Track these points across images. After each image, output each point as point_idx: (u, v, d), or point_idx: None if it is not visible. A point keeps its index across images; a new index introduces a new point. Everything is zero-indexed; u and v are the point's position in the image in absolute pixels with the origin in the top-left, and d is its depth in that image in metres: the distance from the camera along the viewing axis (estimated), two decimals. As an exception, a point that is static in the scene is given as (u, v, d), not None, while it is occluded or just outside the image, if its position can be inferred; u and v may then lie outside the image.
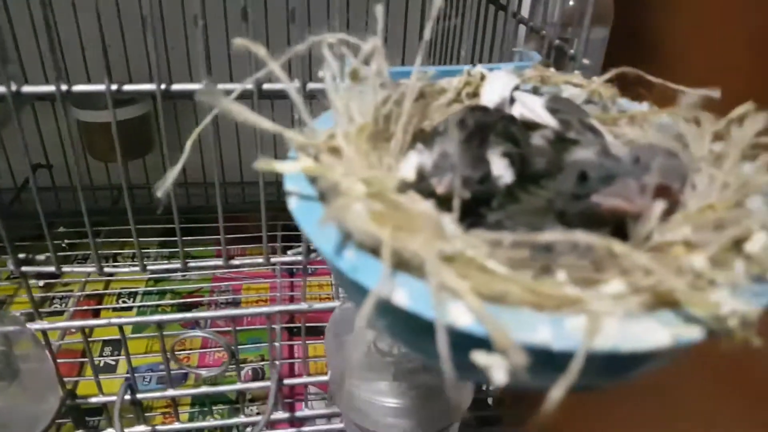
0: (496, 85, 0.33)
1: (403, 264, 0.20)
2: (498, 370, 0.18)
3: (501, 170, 0.26)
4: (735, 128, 0.26)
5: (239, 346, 0.72)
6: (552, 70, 0.37)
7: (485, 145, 0.28)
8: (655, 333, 0.18)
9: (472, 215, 0.25)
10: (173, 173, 0.28)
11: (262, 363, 0.70)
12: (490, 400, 0.69)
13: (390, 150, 0.29)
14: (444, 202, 0.25)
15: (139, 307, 0.78)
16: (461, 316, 0.19)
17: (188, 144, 0.30)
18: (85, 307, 0.76)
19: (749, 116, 0.26)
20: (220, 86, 0.38)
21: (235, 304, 0.80)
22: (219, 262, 0.45)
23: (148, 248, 0.89)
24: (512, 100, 0.33)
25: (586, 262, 0.21)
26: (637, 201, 0.21)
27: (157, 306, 0.79)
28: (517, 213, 0.24)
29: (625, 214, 0.21)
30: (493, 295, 0.19)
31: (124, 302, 0.80)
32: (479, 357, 0.18)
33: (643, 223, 0.22)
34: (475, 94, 0.34)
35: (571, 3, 0.53)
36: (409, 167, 0.27)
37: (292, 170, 0.23)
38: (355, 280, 0.20)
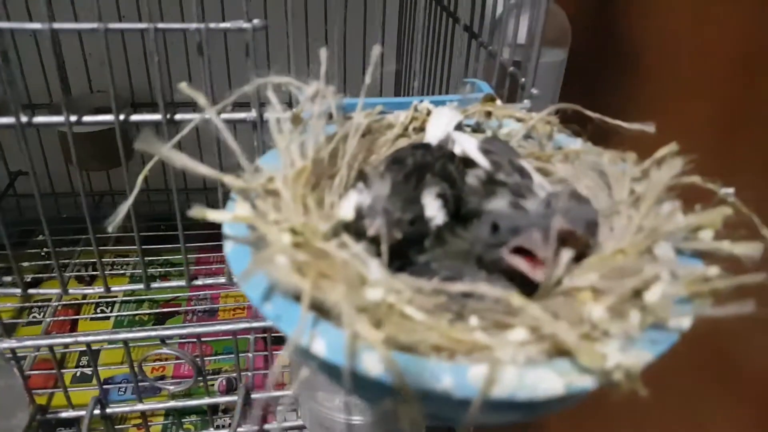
0: (440, 122, 0.34)
1: (325, 313, 0.22)
2: (403, 417, 0.19)
3: (434, 211, 0.28)
4: (654, 170, 0.28)
5: (215, 356, 0.74)
6: (498, 103, 0.39)
7: (422, 185, 0.29)
8: (550, 382, 0.19)
9: (404, 256, 0.27)
10: (125, 208, 0.30)
11: (236, 373, 0.71)
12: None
13: (334, 187, 0.31)
14: (378, 243, 0.26)
15: (117, 316, 0.79)
16: (373, 366, 0.20)
17: (140, 178, 0.31)
18: (63, 318, 0.77)
19: (668, 159, 0.28)
20: (179, 116, 0.39)
21: (212, 312, 0.81)
22: (182, 283, 0.47)
23: (127, 256, 0.90)
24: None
25: (499, 308, 0.22)
26: (540, 250, 0.22)
27: (135, 315, 0.80)
28: (443, 256, 0.26)
29: (522, 273, 0.22)
30: (406, 344, 0.21)
31: (102, 311, 0.81)
32: (387, 404, 0.20)
33: (551, 270, 0.23)
34: (422, 129, 0.36)
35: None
36: (347, 207, 0.28)
37: (224, 219, 0.24)
38: (278, 328, 0.21)
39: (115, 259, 0.90)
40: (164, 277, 0.85)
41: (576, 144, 0.33)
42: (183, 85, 0.29)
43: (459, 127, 0.35)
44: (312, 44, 0.74)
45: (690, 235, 0.25)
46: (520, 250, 0.23)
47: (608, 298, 0.22)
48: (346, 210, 0.28)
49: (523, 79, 0.43)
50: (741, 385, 0.62)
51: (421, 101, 0.37)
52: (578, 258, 0.26)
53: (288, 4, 0.39)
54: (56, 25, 0.33)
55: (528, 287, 0.24)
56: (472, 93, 0.41)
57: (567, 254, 0.23)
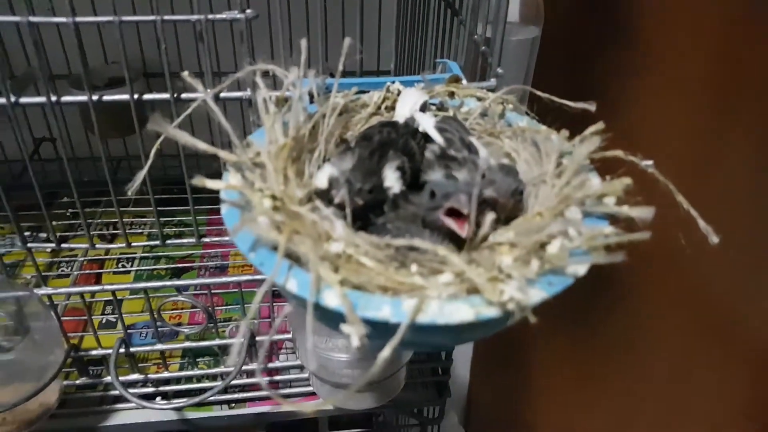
0: (408, 102, 0.40)
1: (297, 261, 0.28)
2: (353, 336, 0.26)
3: (392, 182, 0.34)
4: (577, 145, 0.33)
5: (226, 306, 0.81)
6: (463, 82, 0.44)
7: (384, 159, 0.35)
8: (463, 311, 0.26)
9: (365, 218, 0.33)
10: (141, 175, 0.36)
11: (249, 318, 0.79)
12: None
13: (313, 160, 0.37)
14: (344, 208, 0.32)
15: (137, 270, 0.87)
16: (331, 299, 0.26)
17: (152, 151, 0.37)
18: (88, 272, 0.85)
19: (591, 137, 0.33)
20: (184, 96, 0.45)
21: (223, 268, 0.88)
22: (192, 240, 0.53)
23: (145, 216, 0.97)
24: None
25: (434, 259, 0.28)
26: (465, 210, 0.28)
27: (153, 270, 0.87)
28: (396, 219, 0.32)
29: (453, 231, 0.28)
30: (358, 283, 0.27)
31: (123, 266, 0.88)
32: (344, 327, 0.26)
33: (473, 226, 0.29)
34: (393, 107, 0.41)
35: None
36: (322, 177, 0.34)
37: (219, 187, 0.30)
38: (261, 271, 0.28)
39: (133, 219, 0.97)
40: (179, 236, 0.92)
41: (522, 122, 0.38)
42: (185, 74, 0.35)
43: (425, 106, 0.40)
44: (312, 23, 0.78)
45: (597, 201, 0.30)
46: (452, 212, 0.29)
47: (517, 250, 0.28)
48: (321, 180, 0.34)
49: (490, 59, 0.48)
50: (735, 345, 0.67)
51: (393, 82, 0.42)
52: (510, 220, 0.32)
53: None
54: (78, 19, 0.39)
55: (459, 241, 0.30)
56: (443, 73, 0.47)
57: (490, 216, 0.29)
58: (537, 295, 0.26)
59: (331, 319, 0.28)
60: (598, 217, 0.31)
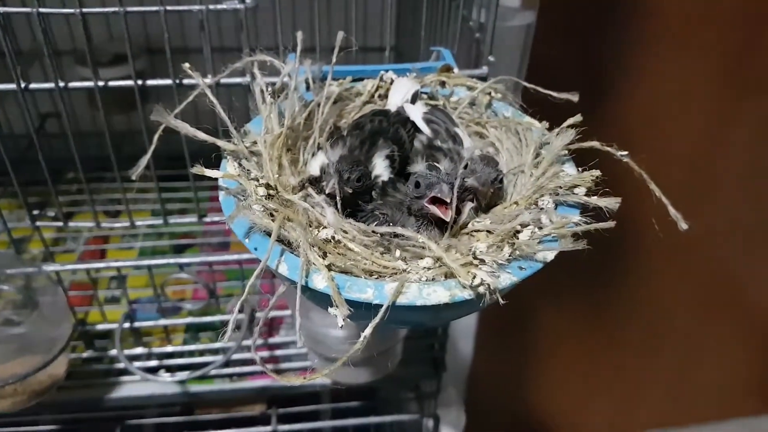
0: (400, 91, 0.42)
1: (289, 245, 0.30)
2: (339, 317, 0.28)
3: (381, 170, 0.36)
4: (554, 137, 0.35)
5: (228, 282, 0.84)
6: (455, 71, 0.45)
7: (374, 148, 0.37)
8: (439, 294, 0.28)
9: (356, 204, 0.35)
10: (145, 160, 0.38)
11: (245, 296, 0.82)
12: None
13: (308, 147, 0.39)
14: (335, 196, 0.34)
15: (141, 247, 0.90)
16: (319, 282, 0.29)
17: (155, 138, 0.39)
18: (93, 247, 0.87)
19: (565, 130, 0.35)
20: (186, 81, 0.47)
21: (225, 245, 0.91)
22: (194, 219, 0.56)
23: (149, 191, 0.99)
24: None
25: (417, 245, 0.30)
26: (447, 198, 0.30)
27: (155, 246, 0.90)
28: (384, 205, 0.34)
29: (440, 218, 0.30)
30: (344, 268, 0.29)
31: (127, 242, 0.91)
32: (330, 309, 0.28)
33: (454, 211, 0.31)
34: (386, 96, 0.43)
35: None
36: (315, 165, 0.36)
37: (217, 175, 0.32)
38: (255, 255, 0.30)
39: (137, 196, 0.99)
40: (182, 212, 0.95)
41: (508, 112, 0.40)
42: (186, 66, 0.37)
43: (416, 95, 0.42)
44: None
45: (570, 191, 0.32)
46: (435, 200, 0.31)
47: (492, 237, 0.30)
48: (314, 168, 0.36)
49: (482, 46, 0.49)
50: (744, 320, 0.69)
51: (387, 71, 0.44)
52: (490, 207, 0.34)
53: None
54: (85, 10, 0.41)
55: (443, 227, 0.32)
56: (437, 60, 0.48)
57: (469, 206, 0.31)
58: (507, 279, 0.28)
59: (321, 300, 0.31)
60: (569, 205, 0.33)
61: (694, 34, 0.75)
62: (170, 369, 0.69)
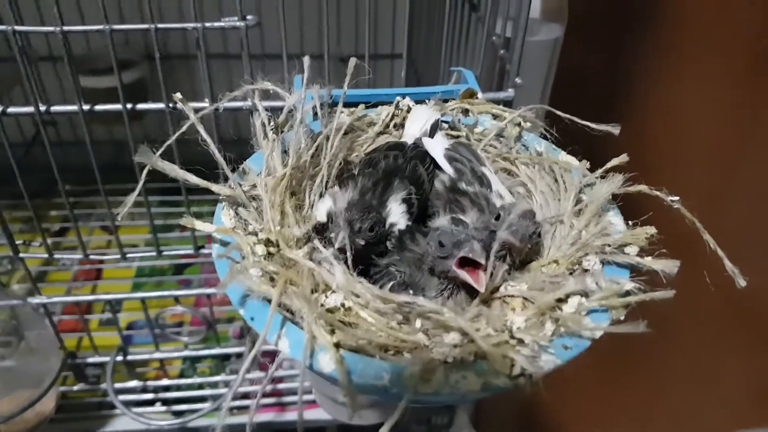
0: (418, 120, 0.37)
1: (292, 313, 0.26)
2: (349, 408, 0.23)
3: (397, 217, 0.31)
4: (598, 182, 0.31)
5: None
6: (479, 96, 0.41)
7: (389, 190, 0.32)
8: (470, 381, 0.23)
9: (368, 257, 0.30)
10: (132, 198, 0.34)
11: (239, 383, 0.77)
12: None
13: (315, 187, 0.34)
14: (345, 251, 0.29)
15: (138, 266, 0.85)
16: (326, 364, 0.24)
17: (144, 173, 0.35)
18: (89, 267, 0.83)
19: (612, 174, 0.30)
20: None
21: (227, 263, 0.87)
22: (190, 250, 0.51)
23: (144, 207, 0.95)
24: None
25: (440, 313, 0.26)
26: (480, 259, 0.25)
27: (154, 265, 0.85)
28: (402, 262, 0.29)
29: (469, 284, 0.26)
30: (356, 346, 0.25)
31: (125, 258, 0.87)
32: (340, 397, 0.24)
33: (491, 278, 0.26)
34: (402, 125, 0.39)
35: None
36: (322, 209, 0.32)
37: (209, 231, 0.28)
38: (253, 327, 0.26)
39: (135, 210, 0.95)
40: (183, 228, 0.90)
41: (540, 146, 0.36)
42: (177, 96, 0.32)
43: (436, 126, 0.37)
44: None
45: (619, 249, 0.28)
46: (465, 261, 0.27)
47: (531, 308, 0.25)
48: (321, 213, 0.31)
49: (508, 66, 0.45)
50: (757, 334, 0.65)
51: (404, 96, 0.39)
52: (525, 262, 0.30)
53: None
54: (66, 28, 0.37)
55: (473, 290, 0.27)
56: (457, 83, 0.44)
57: (503, 268, 0.26)
58: (550, 362, 0.24)
59: (329, 377, 0.26)
60: (618, 265, 0.28)
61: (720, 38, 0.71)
62: (166, 402, 0.65)
